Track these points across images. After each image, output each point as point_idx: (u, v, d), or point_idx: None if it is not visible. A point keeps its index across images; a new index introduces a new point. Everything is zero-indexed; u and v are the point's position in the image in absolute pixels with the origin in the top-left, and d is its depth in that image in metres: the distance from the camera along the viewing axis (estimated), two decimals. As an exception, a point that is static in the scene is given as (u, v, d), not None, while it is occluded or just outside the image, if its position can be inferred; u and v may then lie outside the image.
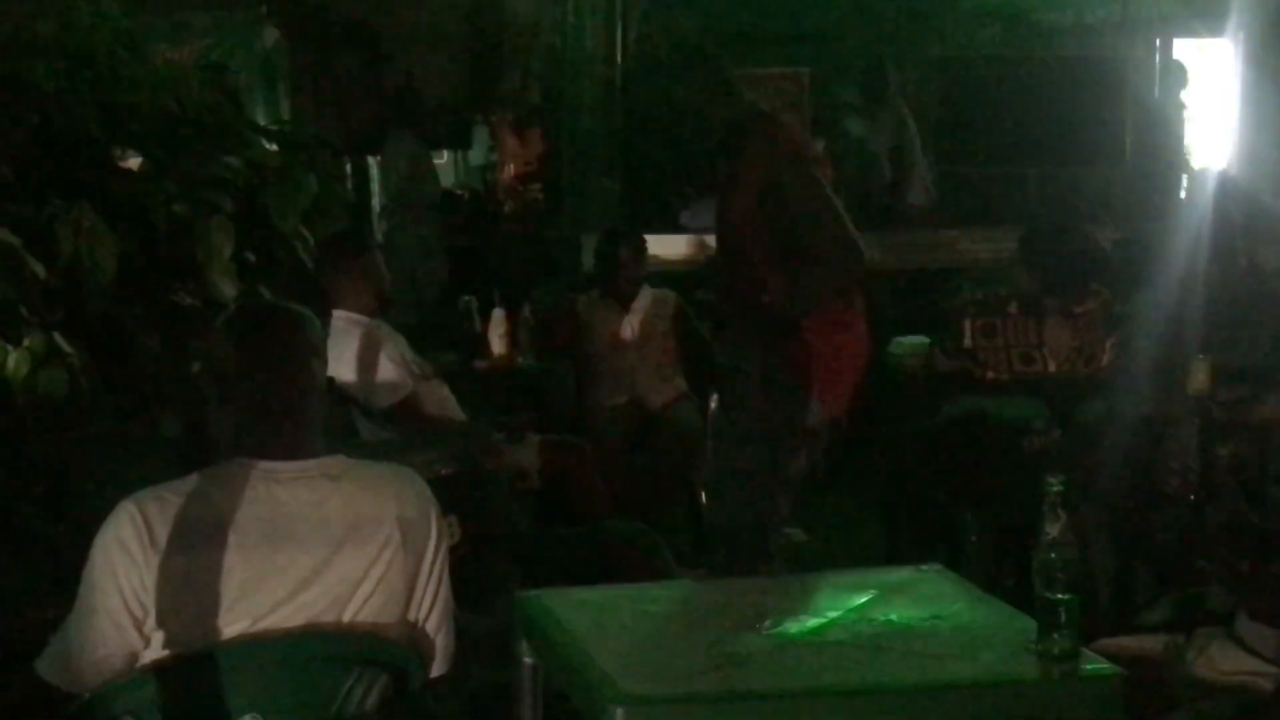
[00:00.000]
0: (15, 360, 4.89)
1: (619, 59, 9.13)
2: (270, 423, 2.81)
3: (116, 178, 5.74)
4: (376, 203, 10.43)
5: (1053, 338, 5.73)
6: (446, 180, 11.36)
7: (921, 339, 6.30)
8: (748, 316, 4.46)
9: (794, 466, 4.46)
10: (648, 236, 7.10)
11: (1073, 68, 10.16)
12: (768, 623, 3.00)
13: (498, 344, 6.61)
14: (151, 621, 2.70)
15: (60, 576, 5.05)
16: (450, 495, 3.19)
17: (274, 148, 6.40)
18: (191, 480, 2.79)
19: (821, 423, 4.44)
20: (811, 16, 10.61)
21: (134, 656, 2.73)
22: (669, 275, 7.45)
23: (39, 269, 4.87)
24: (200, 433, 4.39)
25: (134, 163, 5.90)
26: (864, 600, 3.14)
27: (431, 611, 2.92)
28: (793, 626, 2.99)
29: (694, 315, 6.89)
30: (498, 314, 6.66)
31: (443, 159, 11.95)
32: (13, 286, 4.82)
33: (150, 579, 2.69)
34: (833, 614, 3.06)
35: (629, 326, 6.72)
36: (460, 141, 12.06)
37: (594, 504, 5.49)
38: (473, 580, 3.34)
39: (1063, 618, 2.74)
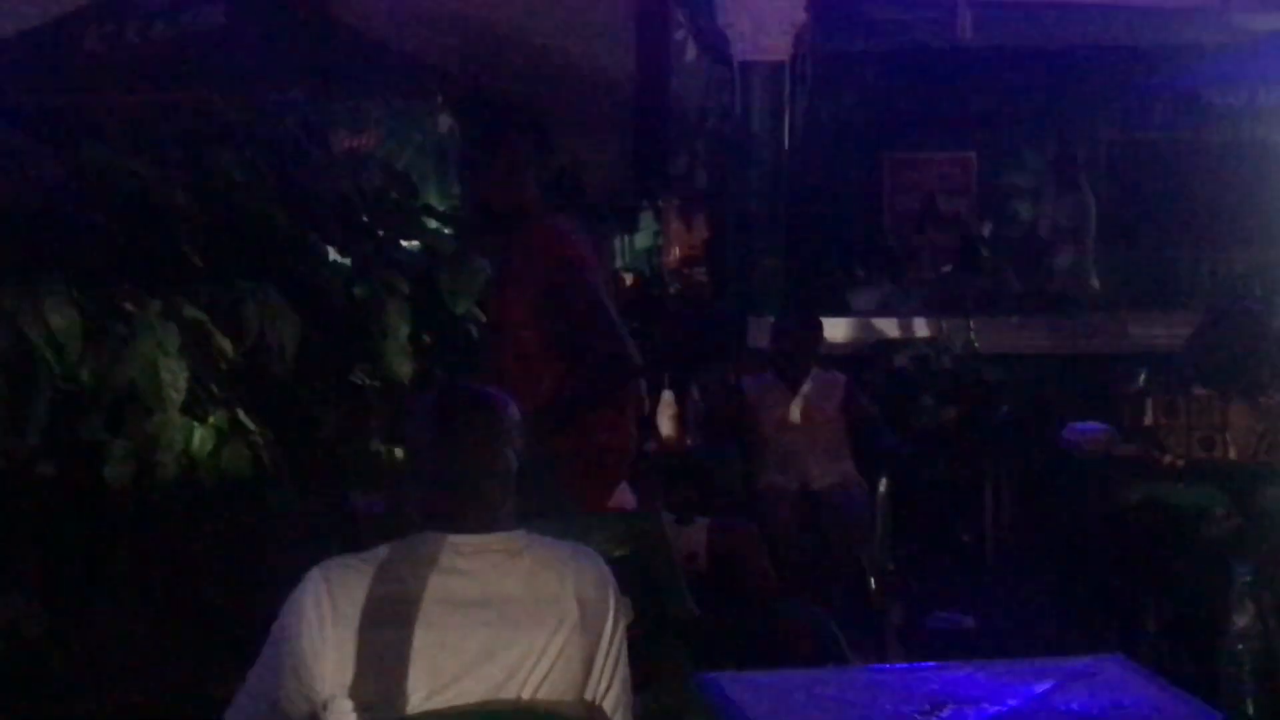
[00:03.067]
0: (200, 437, 5.03)
1: (785, 142, 9.17)
2: (460, 500, 2.87)
3: (299, 260, 5.90)
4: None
5: (1236, 422, 5.62)
6: (613, 263, 11.47)
7: (1097, 425, 6.21)
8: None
9: None
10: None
11: (1246, 150, 10.01)
12: (946, 710, 2.96)
13: (666, 426, 6.64)
14: (326, 688, 2.76)
15: (241, 651, 5.17)
16: (621, 577, 3.21)
17: (448, 231, 6.54)
18: (380, 551, 2.85)
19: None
20: (979, 100, 10.58)
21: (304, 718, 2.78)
22: (836, 357, 7.45)
23: (227, 346, 5.02)
24: (389, 507, 4.49)
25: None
26: (1044, 689, 3.09)
27: (609, 691, 2.94)
28: (971, 714, 2.95)
29: (863, 397, 6.87)
30: (666, 396, 6.69)
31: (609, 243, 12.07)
32: (200, 364, 4.97)
33: (330, 646, 2.75)
34: (1012, 702, 3.01)
35: (797, 408, 6.71)
36: (626, 225, 12.18)
37: (763, 587, 5.47)
38: (642, 662, 3.34)
39: (1251, 711, 2.67)
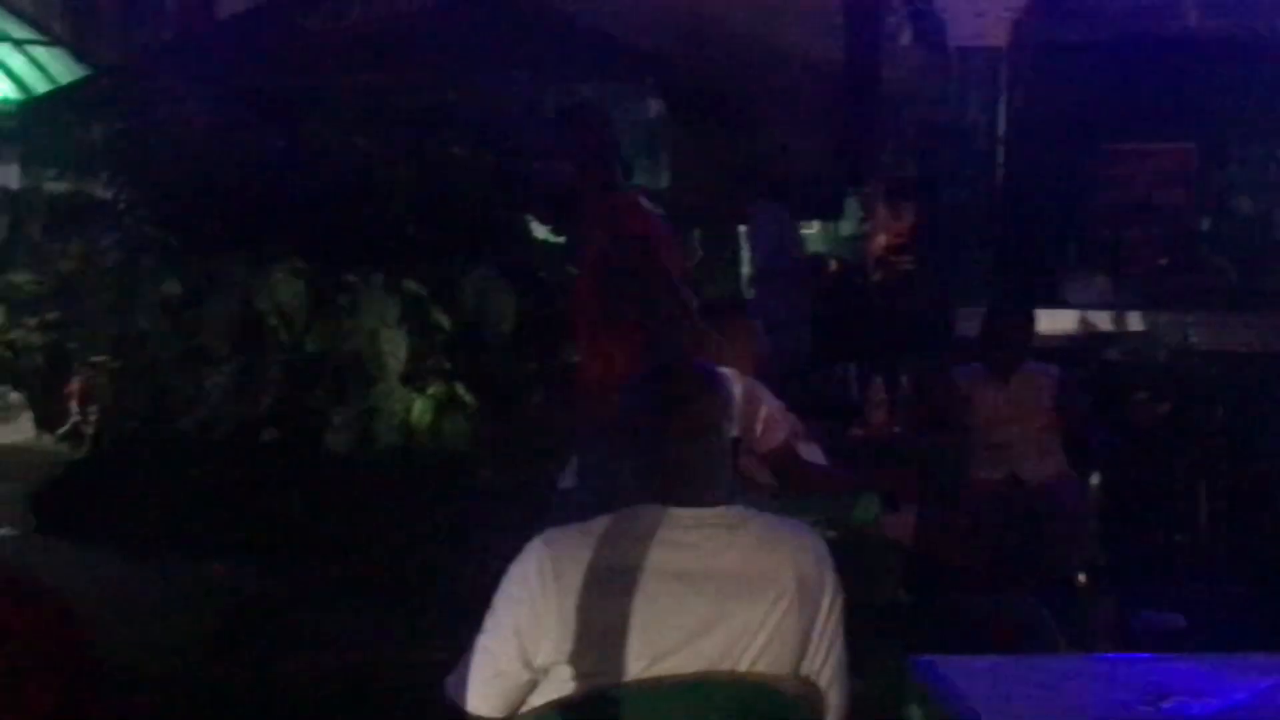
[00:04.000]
0: (419, 407, 5.17)
1: (999, 130, 9.05)
2: (680, 473, 2.89)
3: (514, 239, 6.00)
4: (745, 270, 10.56)
5: None
6: (817, 249, 11.43)
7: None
8: None
9: None
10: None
11: None
12: (1169, 702, 2.91)
13: (875, 413, 6.60)
14: (545, 656, 2.79)
15: (446, 618, 5.26)
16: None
17: (659, 212, 6.58)
18: (600, 523, 2.88)
19: None
20: (1202, 90, 10.30)
21: (526, 686, 2.83)
22: (1047, 350, 7.33)
23: (444, 320, 5.14)
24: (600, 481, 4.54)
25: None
26: (1270, 684, 3.02)
27: (824, 667, 2.93)
28: (1194, 707, 2.89)
29: (1075, 391, 6.75)
30: (876, 383, 6.65)
31: (813, 228, 12.03)
32: (419, 336, 5.10)
33: (549, 614, 2.79)
34: (1238, 696, 2.95)
35: (1008, 401, 6.62)
36: (831, 211, 12.12)
37: (970, 576, 5.42)
38: (852, 644, 3.33)
39: None
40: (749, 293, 10.04)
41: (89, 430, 6.49)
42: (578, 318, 4.75)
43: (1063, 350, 7.70)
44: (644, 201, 5.04)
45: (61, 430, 6.27)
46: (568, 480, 4.60)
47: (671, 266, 4.73)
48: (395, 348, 4.97)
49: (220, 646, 5.38)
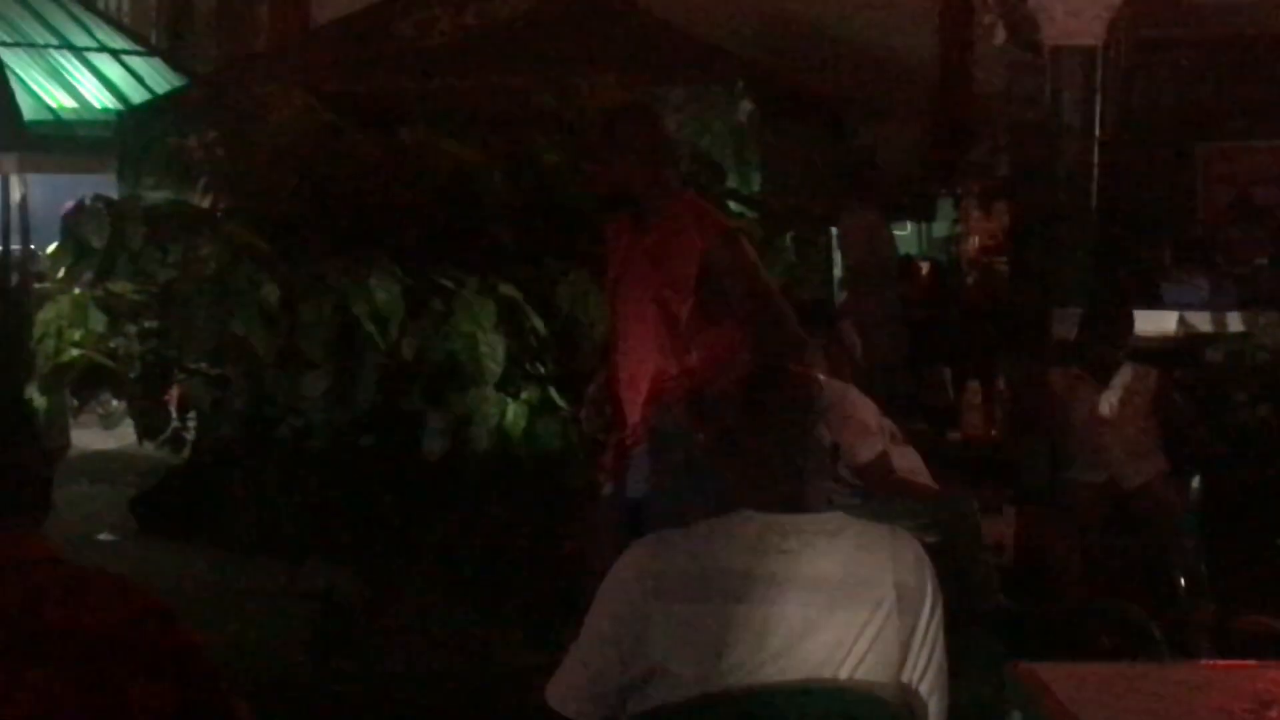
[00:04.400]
0: (514, 412, 5.18)
1: (1096, 130, 8.95)
2: (777, 480, 2.88)
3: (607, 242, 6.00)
4: (836, 272, 10.51)
5: None
6: (910, 251, 11.36)
7: None
8: None
9: None
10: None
11: None
12: (1273, 710, 2.85)
13: (972, 416, 6.55)
14: (644, 662, 2.79)
15: (540, 623, 5.27)
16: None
17: (753, 215, 6.56)
18: (699, 529, 2.88)
19: None
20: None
21: (625, 692, 2.82)
22: (1146, 351, 7.23)
23: (539, 324, 5.15)
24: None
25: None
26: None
27: (925, 674, 2.91)
28: (1304, 716, 2.84)
29: (1177, 394, 6.66)
30: (972, 386, 6.60)
31: (905, 230, 11.95)
32: (514, 340, 5.11)
33: (649, 620, 2.79)
34: (1352, 705, 2.88)
35: (1107, 403, 6.54)
36: (924, 213, 12.04)
37: (1069, 581, 5.36)
38: (952, 649, 3.30)
39: None
40: (840, 296, 10.00)
41: (188, 436, 6.57)
42: (632, 322, 4.69)
43: (1161, 352, 7.59)
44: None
45: (162, 437, 6.34)
46: (636, 487, 4.54)
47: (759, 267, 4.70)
48: (493, 350, 4.99)
49: (318, 649, 5.42)
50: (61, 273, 6.21)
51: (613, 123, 4.70)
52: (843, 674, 2.80)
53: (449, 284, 5.14)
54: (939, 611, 2.94)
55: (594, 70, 7.71)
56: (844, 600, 2.83)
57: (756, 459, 2.92)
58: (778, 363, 3.64)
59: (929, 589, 2.91)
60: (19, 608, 2.40)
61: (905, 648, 2.87)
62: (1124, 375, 6.60)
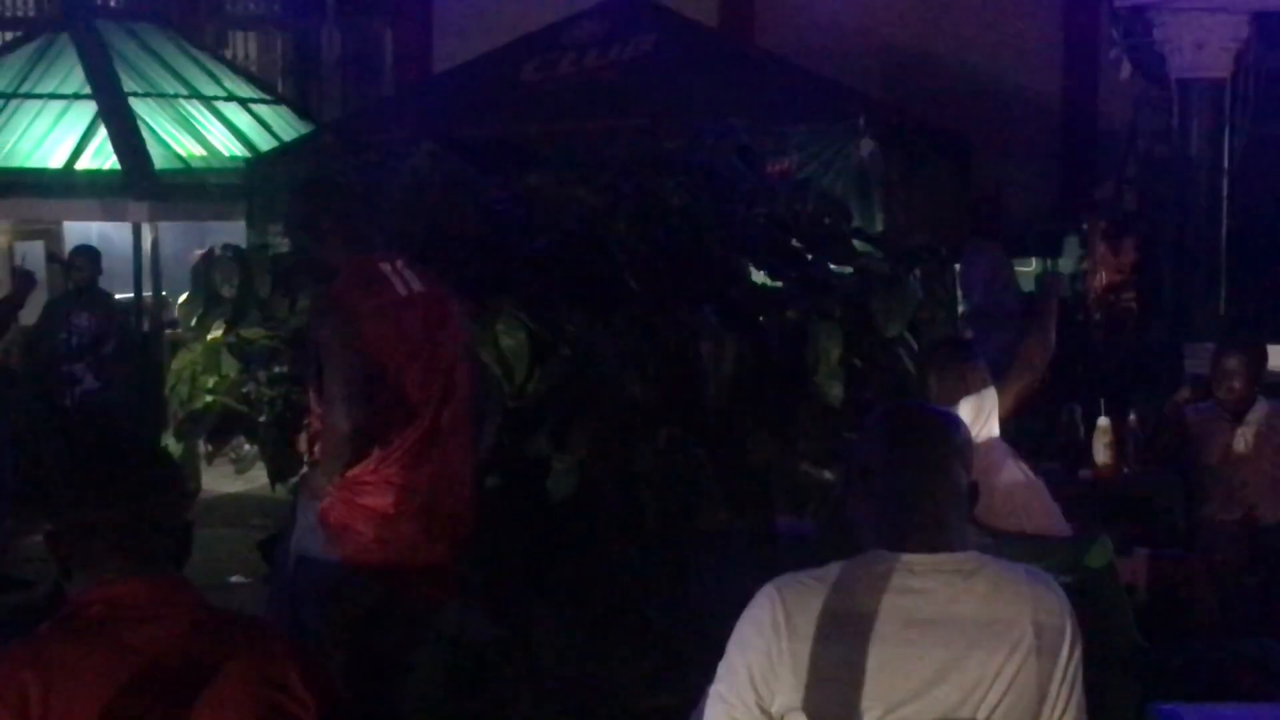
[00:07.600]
0: (640, 454, 5.19)
1: (1225, 164, 8.82)
2: (913, 518, 2.86)
3: (732, 284, 6.01)
4: (959, 310, 10.43)
5: None
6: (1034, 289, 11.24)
7: None
8: None
9: None
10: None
11: None
12: None
13: (1103, 453, 6.46)
14: (780, 703, 2.78)
15: (670, 664, 5.27)
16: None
17: (879, 254, 6.54)
18: (833, 569, 2.86)
19: None
20: None
21: None
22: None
23: (663, 367, 5.17)
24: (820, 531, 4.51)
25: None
26: None
27: (1064, 717, 2.87)
28: None
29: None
30: (1103, 423, 6.52)
31: (1030, 266, 11.85)
32: (640, 384, 5.12)
33: (784, 660, 2.77)
34: None
35: (1242, 439, 6.43)
36: (1049, 249, 11.93)
37: (1207, 620, 5.26)
38: (1089, 691, 3.26)
39: None
40: (964, 332, 9.92)
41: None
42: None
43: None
44: None
45: (292, 480, 6.43)
46: (801, 527, 4.55)
47: None
48: (617, 394, 5.02)
49: (451, 690, 5.46)
50: (194, 321, 6.33)
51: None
52: (980, 715, 2.77)
53: (574, 328, 5.18)
54: (1079, 652, 2.89)
55: (717, 112, 7.75)
56: (980, 641, 2.79)
57: (890, 497, 2.90)
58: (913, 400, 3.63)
59: (1068, 629, 2.87)
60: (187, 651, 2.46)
61: (1044, 691, 2.83)
62: (1259, 410, 6.50)
